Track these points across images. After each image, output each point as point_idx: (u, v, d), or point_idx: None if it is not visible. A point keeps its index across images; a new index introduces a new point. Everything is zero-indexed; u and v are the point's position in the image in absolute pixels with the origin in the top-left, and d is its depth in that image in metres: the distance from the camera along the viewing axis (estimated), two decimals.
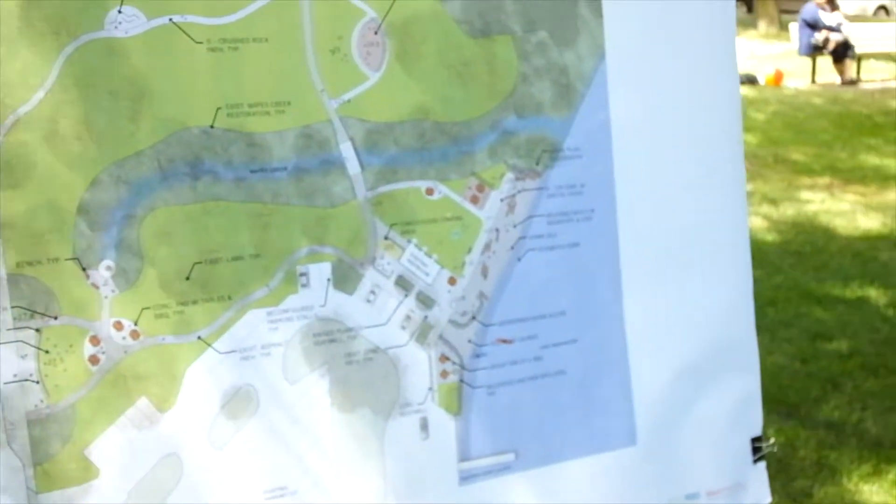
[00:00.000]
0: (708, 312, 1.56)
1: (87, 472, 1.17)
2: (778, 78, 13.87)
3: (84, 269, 1.16)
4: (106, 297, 1.17)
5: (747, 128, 10.96)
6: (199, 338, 1.22)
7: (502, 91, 1.39)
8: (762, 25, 17.85)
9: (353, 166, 1.30)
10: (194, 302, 1.21)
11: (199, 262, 1.21)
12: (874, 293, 5.83)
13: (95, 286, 1.16)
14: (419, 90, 1.34)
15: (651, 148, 1.51)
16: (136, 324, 1.19)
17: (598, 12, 1.46)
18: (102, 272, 1.17)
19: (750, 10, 19.80)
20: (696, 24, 1.55)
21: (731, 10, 1.59)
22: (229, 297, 1.23)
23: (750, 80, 13.60)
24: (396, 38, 1.32)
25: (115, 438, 1.18)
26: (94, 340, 1.17)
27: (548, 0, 1.42)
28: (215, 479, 1.23)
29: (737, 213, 1.60)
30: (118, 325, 1.18)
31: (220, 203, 1.22)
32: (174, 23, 1.18)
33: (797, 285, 5.96)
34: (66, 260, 1.15)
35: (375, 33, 1.31)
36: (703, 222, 1.56)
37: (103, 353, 1.17)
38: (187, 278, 1.21)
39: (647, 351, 1.51)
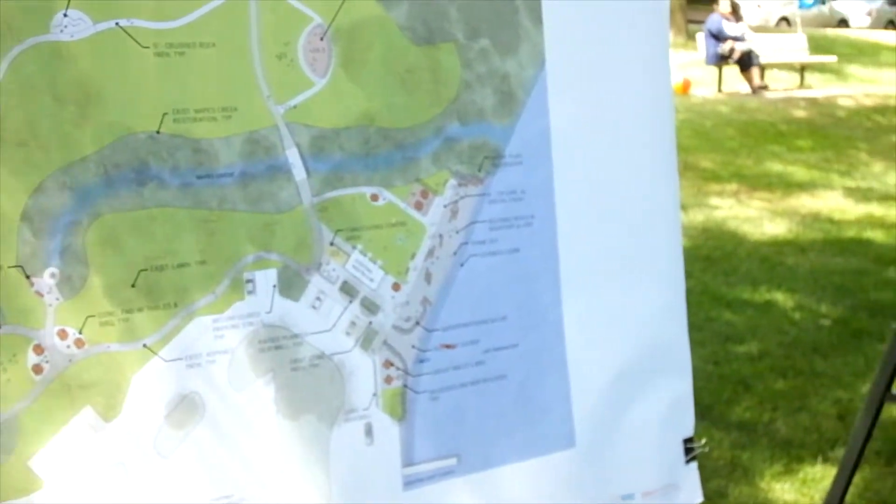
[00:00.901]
0: (644, 316, 1.60)
1: (32, 483, 1.15)
2: (686, 86, 14.13)
3: (28, 277, 1.14)
4: (50, 305, 1.15)
5: None
6: (144, 346, 1.20)
7: (446, 98, 1.41)
8: (670, 35, 18.18)
9: (298, 172, 1.30)
10: (140, 309, 1.20)
11: (145, 270, 1.20)
12: (781, 297, 5.99)
13: (40, 294, 1.14)
14: (364, 96, 1.34)
15: (589, 155, 1.54)
16: (80, 332, 1.17)
17: (538, 21, 1.48)
18: (47, 280, 1.15)
19: None
20: (632, 32, 1.58)
21: (665, 19, 1.63)
22: (175, 305, 1.22)
23: None
24: (342, 44, 1.32)
25: (59, 449, 1.16)
26: (38, 349, 1.15)
27: (490, 9, 1.43)
28: (161, 487, 1.22)
29: (670, 217, 1.64)
30: (62, 334, 1.16)
31: (165, 209, 1.21)
32: (120, 27, 1.17)
33: (708, 290, 6.09)
34: (10, 268, 1.12)
35: (321, 39, 1.31)
36: (639, 227, 1.59)
37: (47, 362, 1.15)
38: (133, 285, 1.19)
39: (585, 355, 1.53)
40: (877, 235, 7.58)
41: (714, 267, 6.63)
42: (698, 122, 12.23)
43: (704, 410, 4.28)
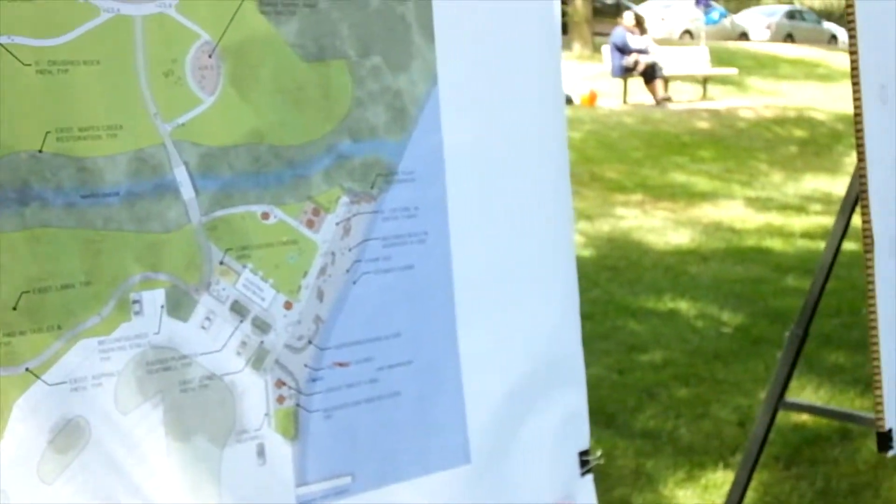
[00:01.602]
0: (538, 331, 1.61)
1: None
2: (592, 98, 14.34)
3: None
4: None
5: None
6: (27, 369, 1.18)
7: (337, 115, 1.40)
8: (576, 47, 18.41)
9: (187, 191, 1.28)
10: (22, 332, 1.17)
11: (27, 292, 1.17)
12: (684, 305, 6.09)
13: None
14: (254, 114, 1.33)
15: (482, 170, 1.55)
16: None
17: (430, 39, 1.48)
18: None
19: (565, 32, 20.40)
20: (524, 48, 1.60)
21: (557, 37, 1.65)
22: (59, 327, 1.20)
23: (566, 101, 13.99)
24: (231, 61, 1.31)
25: None
26: None
27: (382, 26, 1.43)
28: None
29: (563, 232, 1.66)
30: None
31: (48, 230, 1.18)
32: (0, 44, 1.14)
33: (613, 299, 6.17)
34: None
35: (210, 57, 1.29)
36: (533, 242, 1.61)
37: None
38: (14, 308, 1.16)
39: (480, 370, 1.54)
40: (776, 244, 7.77)
41: (619, 277, 6.73)
42: (604, 134, 12.42)
43: (609, 419, 4.33)
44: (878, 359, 2.02)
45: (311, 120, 1.38)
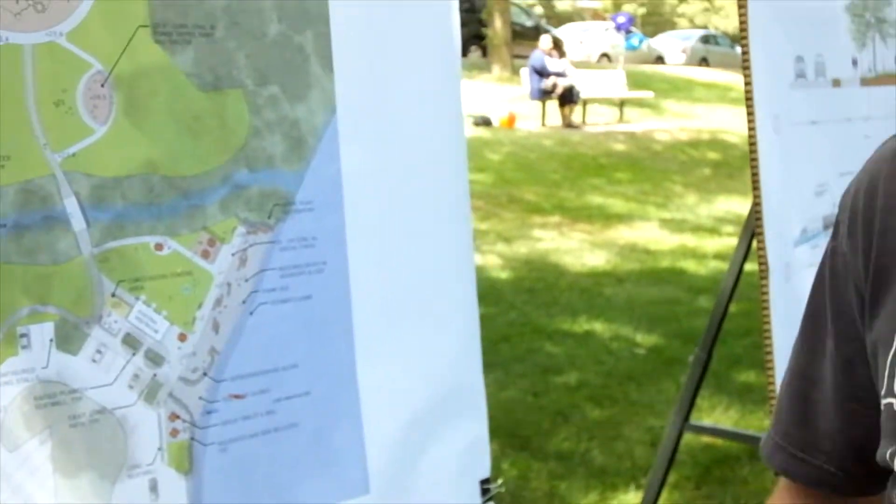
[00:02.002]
0: (438, 360, 1.61)
1: None
2: (511, 120, 14.46)
3: None
4: None
5: (482, 168, 11.37)
6: None
7: (234, 145, 1.39)
8: (496, 69, 18.54)
9: (77, 222, 1.26)
10: None
11: None
12: (600, 327, 6.16)
13: None
14: (148, 144, 1.32)
15: (382, 199, 1.55)
16: None
17: (329, 68, 1.49)
18: None
19: (485, 54, 20.55)
20: (424, 77, 1.61)
21: (457, 63, 1.66)
22: None
23: (485, 122, 14.12)
24: (124, 91, 1.30)
25: None
26: None
27: (280, 56, 1.43)
28: None
29: (464, 260, 1.67)
30: None
31: None
32: None
33: (530, 321, 6.21)
34: None
35: (102, 86, 1.28)
36: (432, 272, 1.62)
37: None
38: None
39: (379, 400, 1.54)
40: (689, 265, 7.90)
41: (536, 299, 6.77)
42: (523, 156, 12.52)
43: (524, 442, 4.35)
44: (773, 383, 2.07)
45: (206, 149, 1.37)
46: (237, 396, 1.40)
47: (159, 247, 1.33)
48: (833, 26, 2.33)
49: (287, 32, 1.44)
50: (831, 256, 0.90)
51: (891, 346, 0.77)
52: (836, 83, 2.34)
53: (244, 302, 1.41)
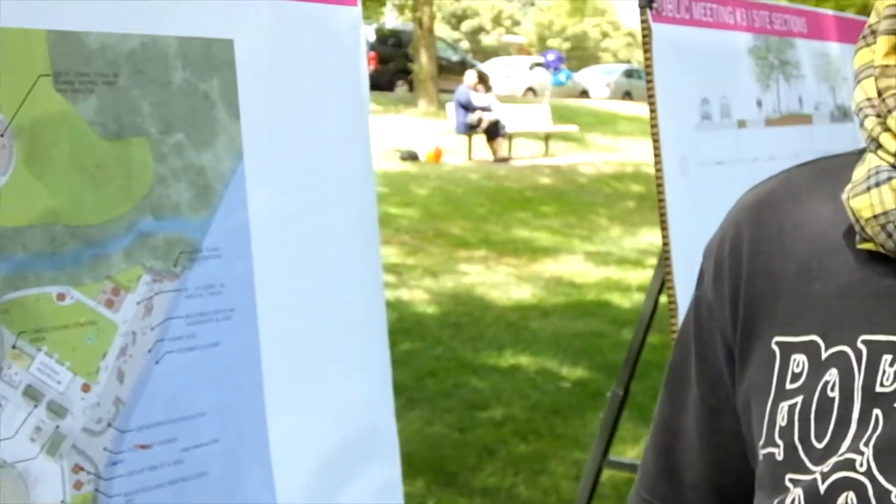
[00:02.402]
0: (349, 404, 1.61)
1: None
2: (437, 155, 14.53)
3: None
4: None
5: (409, 203, 11.40)
6: None
7: (138, 193, 1.39)
8: (422, 104, 18.65)
9: None
10: None
11: None
12: (525, 361, 6.19)
13: None
14: (49, 194, 1.30)
15: (290, 246, 1.55)
16: None
17: (235, 115, 1.49)
18: None
19: (411, 89, 20.66)
20: (332, 120, 1.62)
21: (365, 105, 1.68)
22: None
23: (411, 157, 14.18)
24: (25, 140, 1.28)
25: None
26: None
27: (185, 104, 1.43)
28: None
29: (374, 303, 1.67)
30: None
31: None
32: None
33: (456, 356, 6.23)
34: None
35: (2, 136, 1.26)
36: (343, 315, 1.62)
37: None
38: None
39: (290, 446, 1.53)
40: (614, 298, 7.98)
41: (462, 333, 6.79)
42: (449, 190, 12.58)
43: (450, 478, 4.35)
44: None
45: (110, 198, 1.36)
46: (143, 447, 1.38)
47: (62, 297, 1.31)
48: (737, 69, 2.39)
49: (192, 80, 1.44)
50: (696, 306, 0.90)
51: (768, 393, 0.78)
52: (742, 124, 2.39)
53: (150, 351, 1.40)
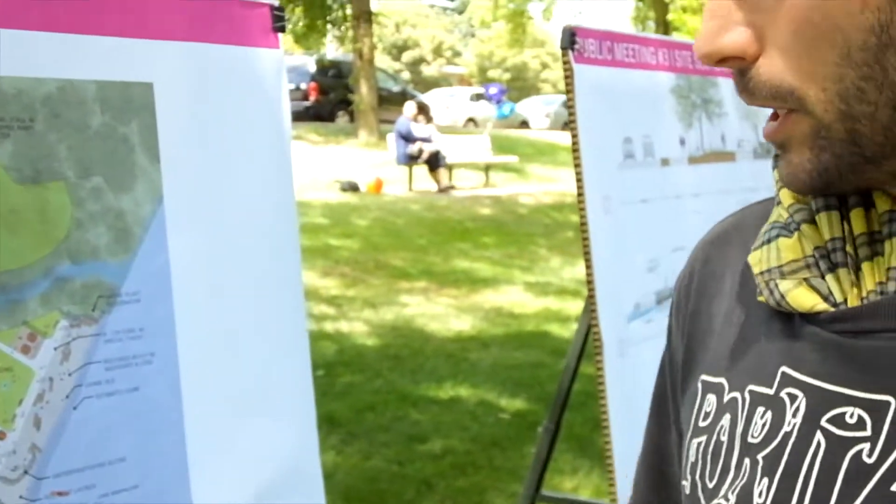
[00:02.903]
0: (274, 448, 1.61)
1: None
2: (378, 186, 14.54)
3: None
4: None
5: (349, 234, 11.38)
6: None
7: (55, 237, 1.38)
8: (363, 135, 18.65)
9: None
10: None
11: None
12: (465, 392, 6.19)
13: None
14: None
15: (213, 288, 1.55)
16: None
17: (155, 159, 1.49)
18: None
19: (352, 119, 20.67)
20: (253, 161, 1.62)
21: (287, 143, 1.68)
22: None
23: (352, 188, 14.17)
24: None
25: None
26: None
27: (103, 148, 1.43)
28: None
29: (299, 346, 1.67)
30: None
31: None
32: None
33: (395, 389, 6.20)
34: None
35: None
36: (267, 359, 1.62)
37: None
38: None
39: (211, 491, 1.52)
40: (553, 328, 8.01)
41: (402, 366, 6.77)
42: (390, 221, 12.58)
43: None
44: (610, 456, 2.12)
45: (26, 243, 1.35)
46: (61, 493, 1.37)
47: None
48: (660, 107, 2.43)
49: (111, 123, 1.44)
50: (668, 333, 0.93)
51: (689, 428, 0.79)
52: (665, 162, 2.43)
53: (68, 396, 1.38)
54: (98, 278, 1.42)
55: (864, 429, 0.64)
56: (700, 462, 0.76)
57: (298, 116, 19.35)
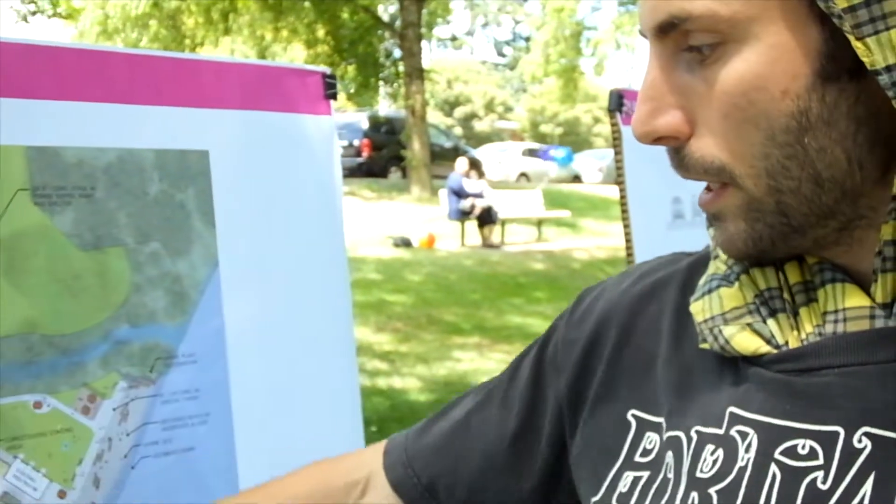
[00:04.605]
0: None
1: None
2: (430, 241, 14.61)
3: None
4: None
5: (402, 289, 11.42)
6: None
7: (115, 302, 1.42)
8: (415, 190, 18.79)
9: None
10: None
11: None
12: None
13: None
14: (27, 304, 1.34)
15: (266, 348, 1.58)
16: None
17: (211, 224, 1.53)
18: None
19: (405, 175, 20.84)
20: (306, 223, 1.66)
21: (339, 206, 1.72)
22: None
23: (405, 243, 14.25)
24: (4, 252, 1.32)
25: None
26: None
27: (161, 214, 1.47)
28: None
29: (353, 404, 1.70)
30: None
31: None
32: None
33: None
34: None
35: None
36: (320, 417, 1.64)
37: None
38: None
39: None
40: None
41: None
42: (443, 276, 12.62)
43: None
44: None
45: (86, 307, 1.39)
46: None
47: (38, 405, 1.34)
48: None
49: (168, 190, 1.49)
50: (548, 334, 1.00)
51: (616, 458, 0.83)
52: None
53: (126, 456, 1.42)
54: (156, 341, 1.46)
55: (817, 458, 0.67)
56: (638, 495, 0.79)
57: (351, 173, 19.55)
